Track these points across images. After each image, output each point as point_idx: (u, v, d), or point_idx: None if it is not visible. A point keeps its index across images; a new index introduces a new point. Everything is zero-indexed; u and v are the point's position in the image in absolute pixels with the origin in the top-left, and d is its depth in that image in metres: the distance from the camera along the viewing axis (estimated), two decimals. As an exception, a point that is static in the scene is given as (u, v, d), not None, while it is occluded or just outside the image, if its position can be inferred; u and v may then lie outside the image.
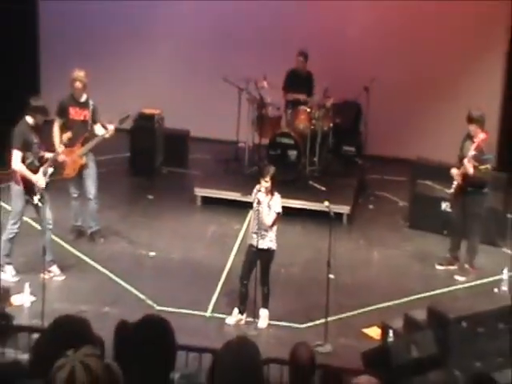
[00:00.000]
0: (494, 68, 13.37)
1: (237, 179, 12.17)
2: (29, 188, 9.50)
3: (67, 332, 3.77)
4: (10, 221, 9.67)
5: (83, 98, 10.49)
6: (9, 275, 9.62)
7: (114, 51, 13.79)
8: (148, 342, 3.67)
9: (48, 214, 9.63)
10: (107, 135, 10.40)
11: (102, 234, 10.86)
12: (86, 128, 10.45)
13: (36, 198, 9.51)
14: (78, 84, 10.36)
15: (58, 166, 10.17)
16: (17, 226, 9.64)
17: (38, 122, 9.53)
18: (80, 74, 10.37)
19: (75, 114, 10.46)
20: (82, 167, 10.50)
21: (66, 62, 13.69)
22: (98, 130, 10.50)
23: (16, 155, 9.44)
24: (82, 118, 10.46)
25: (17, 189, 9.58)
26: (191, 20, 13.82)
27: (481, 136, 10.03)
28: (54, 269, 9.77)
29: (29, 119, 9.50)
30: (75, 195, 10.69)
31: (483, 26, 13.13)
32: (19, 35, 13.74)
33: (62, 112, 10.44)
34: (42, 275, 8.95)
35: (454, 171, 10.17)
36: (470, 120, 10.08)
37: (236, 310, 9.16)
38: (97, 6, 13.83)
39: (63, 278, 9.81)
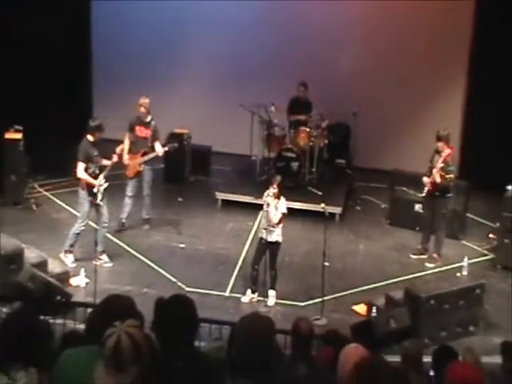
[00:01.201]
0: (456, 95, 13.32)
1: (250, 185, 12.13)
2: (91, 191, 9.55)
3: (115, 307, 3.78)
4: (79, 219, 9.72)
5: (147, 119, 10.69)
6: (69, 261, 9.65)
7: (153, 79, 13.81)
8: (175, 315, 3.66)
9: (105, 212, 9.68)
10: (160, 154, 10.69)
11: (150, 223, 10.98)
12: (146, 144, 10.66)
13: (98, 199, 9.57)
14: (142, 109, 10.63)
15: (123, 167, 10.63)
16: (84, 223, 9.69)
17: (96, 139, 9.57)
18: (145, 101, 10.66)
19: (139, 131, 10.72)
20: (139, 172, 10.72)
21: (116, 84, 13.94)
22: (157, 146, 10.68)
23: (80, 166, 9.50)
24: (144, 135, 10.68)
25: (83, 193, 9.63)
26: (215, 57, 13.79)
27: (447, 151, 10.00)
28: (104, 257, 9.79)
29: (89, 137, 9.54)
30: (130, 194, 10.80)
31: (446, 59, 13.13)
32: (74, 56, 13.68)
33: (130, 129, 10.76)
34: (94, 262, 9.08)
35: (425, 179, 10.14)
36: (438, 138, 10.05)
37: (249, 291, 9.14)
38: (142, 37, 13.87)
39: (111, 264, 9.83)
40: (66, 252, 9.69)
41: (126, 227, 10.88)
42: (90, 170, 9.54)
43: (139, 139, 10.72)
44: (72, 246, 9.73)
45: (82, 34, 14.02)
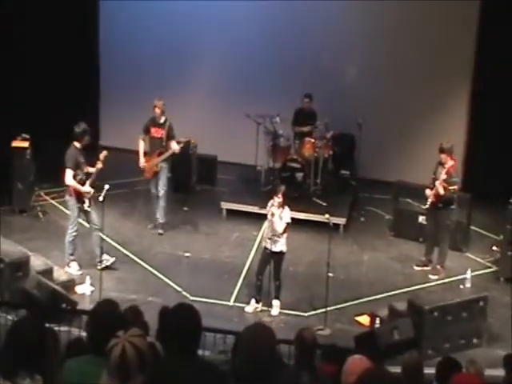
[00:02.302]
0: (460, 107, 13.33)
1: (255, 195, 12.14)
2: (79, 198, 9.59)
3: (107, 314, 3.78)
4: (69, 226, 9.73)
5: (162, 120, 10.87)
6: (74, 270, 9.67)
7: (160, 88, 13.82)
8: (179, 324, 3.67)
9: (95, 217, 9.66)
10: (177, 151, 10.85)
11: (164, 228, 11.08)
12: (161, 144, 10.81)
13: (86, 205, 9.61)
14: (157, 110, 10.80)
15: (140, 170, 10.99)
16: (75, 229, 9.70)
17: (84, 144, 9.61)
18: (159, 102, 10.84)
19: (155, 132, 10.89)
20: (156, 173, 10.88)
21: (123, 92, 14.02)
22: (173, 144, 10.84)
23: (69, 173, 9.52)
24: (159, 136, 10.84)
25: (71, 200, 9.66)
26: (221, 67, 13.85)
27: (450, 163, 10.00)
28: (106, 256, 9.76)
29: (76, 144, 9.58)
30: (154, 193, 11.02)
31: (450, 73, 13.17)
32: (82, 66, 13.75)
33: (145, 130, 10.93)
34: (98, 267, 9.27)
35: (428, 191, 10.13)
36: (442, 150, 10.05)
37: (253, 300, 9.14)
38: (149, 47, 13.94)
39: (114, 259, 9.80)
40: (68, 263, 9.70)
41: (160, 228, 11.05)
42: (78, 177, 9.57)
43: (155, 140, 10.92)
44: (72, 254, 9.75)
45: (89, 41, 14.07)
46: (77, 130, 9.56)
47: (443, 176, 9.91)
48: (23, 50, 12.31)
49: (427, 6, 12.80)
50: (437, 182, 9.94)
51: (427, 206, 10.16)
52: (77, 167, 9.54)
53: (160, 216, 11.06)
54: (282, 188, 9.02)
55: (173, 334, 3.67)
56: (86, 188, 9.56)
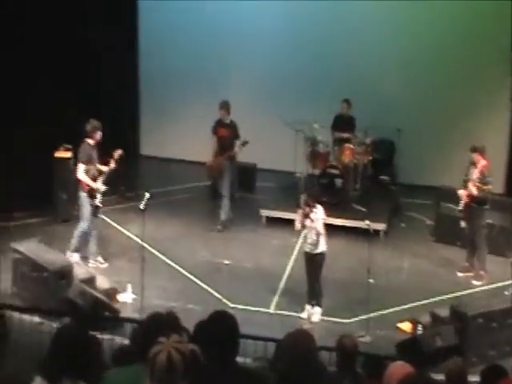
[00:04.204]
0: (502, 111, 13.17)
1: (294, 202, 12.10)
2: (91, 193, 9.77)
3: (159, 324, 3.82)
4: (81, 220, 9.92)
5: (228, 121, 11.37)
6: (75, 260, 9.72)
7: (198, 97, 14.03)
8: (217, 332, 3.69)
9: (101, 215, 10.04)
10: (237, 151, 11.42)
11: (225, 225, 11.47)
12: (228, 143, 11.36)
13: (97, 201, 9.79)
14: (222, 111, 11.36)
15: (206, 170, 11.63)
16: (87, 224, 9.89)
17: (97, 140, 9.81)
18: (224, 104, 11.32)
19: (220, 132, 11.41)
20: (221, 172, 11.41)
21: (163, 100, 14.19)
22: (238, 145, 11.36)
23: (81, 168, 9.74)
24: (225, 135, 11.35)
25: (83, 195, 9.83)
26: (259, 75, 13.92)
27: (482, 162, 9.91)
28: (100, 259, 10.06)
29: (89, 141, 9.79)
30: (224, 194, 11.49)
31: (490, 75, 13.02)
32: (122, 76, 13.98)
33: (214, 132, 11.50)
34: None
35: (461, 192, 10.04)
36: (474, 150, 10.00)
37: (307, 306, 9.11)
38: (192, 59, 14.17)
39: (106, 265, 10.04)
40: (71, 253, 9.88)
41: (219, 225, 11.46)
42: (91, 173, 9.76)
43: (222, 140, 11.39)
44: (78, 247, 9.94)
45: (129, 51, 14.29)
46: (88, 127, 9.78)
47: (476, 176, 9.80)
48: (64, 63, 12.50)
49: (465, 9, 12.70)
50: (469, 183, 9.83)
51: (461, 207, 10.06)
52: (89, 162, 9.74)
53: (223, 213, 11.47)
54: (305, 201, 8.89)
55: (210, 341, 3.68)
56: (98, 184, 9.76)
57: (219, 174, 11.50)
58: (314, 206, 8.83)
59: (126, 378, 3.68)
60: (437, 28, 13.12)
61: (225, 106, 11.36)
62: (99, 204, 9.86)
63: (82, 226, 9.89)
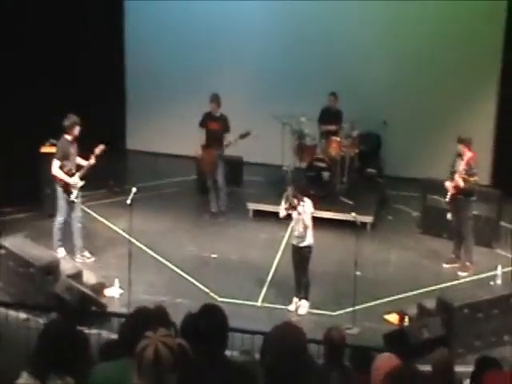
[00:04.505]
0: (488, 103, 13.25)
1: (281, 195, 12.10)
2: (66, 188, 9.82)
3: (147, 318, 3.81)
4: (57, 215, 9.97)
5: (218, 114, 11.46)
6: (61, 255, 9.84)
7: (185, 90, 14.01)
8: (206, 325, 3.69)
9: (79, 210, 10.03)
10: (232, 143, 11.38)
11: (224, 215, 11.72)
12: (218, 136, 11.42)
13: (72, 196, 9.84)
14: (213, 104, 11.45)
15: (198, 163, 11.90)
16: (62, 218, 9.95)
17: (74, 136, 9.79)
18: (215, 97, 11.45)
19: (211, 125, 11.48)
20: (215, 165, 11.55)
21: (149, 95, 14.18)
22: (228, 137, 11.43)
23: (55, 163, 9.79)
24: (215, 128, 11.41)
25: (59, 190, 9.91)
26: (245, 68, 13.91)
27: (468, 154, 9.95)
28: (86, 253, 10.08)
29: (67, 136, 9.80)
30: (210, 185, 11.66)
31: (476, 66, 13.09)
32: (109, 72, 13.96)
33: (203, 124, 11.56)
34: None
35: (447, 184, 10.08)
36: (460, 141, 10.02)
37: (295, 299, 9.14)
38: (177, 54, 14.19)
39: (94, 259, 10.06)
40: (55, 249, 9.92)
41: (219, 216, 11.73)
42: (67, 168, 9.77)
43: (212, 133, 11.45)
44: (60, 240, 10.00)
45: (115, 46, 14.23)
46: (66, 122, 9.77)
47: (463, 167, 9.85)
48: (48, 58, 12.44)
49: (453, 3, 12.75)
50: (456, 175, 9.88)
51: (447, 199, 10.11)
52: (65, 158, 9.75)
53: (222, 204, 11.71)
54: (290, 193, 8.89)
55: (200, 335, 3.68)
56: (74, 179, 9.78)
57: (211, 168, 11.57)
58: (301, 199, 8.84)
59: (113, 372, 3.67)
60: (424, 22, 13.16)
61: (215, 99, 11.42)
62: (75, 199, 9.87)
63: (58, 219, 9.96)
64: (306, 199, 8.91)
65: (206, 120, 11.53)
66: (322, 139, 12.56)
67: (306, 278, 9.09)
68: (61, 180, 9.80)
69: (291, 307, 9.12)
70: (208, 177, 11.79)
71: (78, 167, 9.87)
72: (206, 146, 11.55)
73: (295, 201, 8.81)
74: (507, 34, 12.74)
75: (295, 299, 9.14)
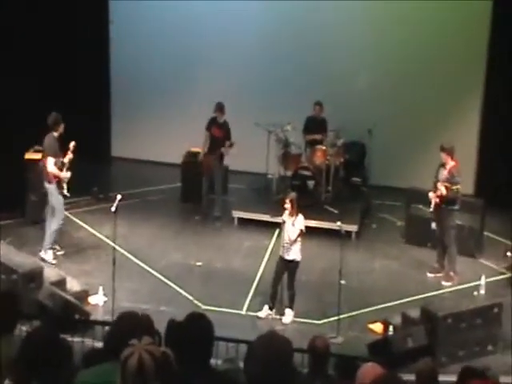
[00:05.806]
0: (472, 113, 13.34)
1: (266, 204, 12.16)
2: (59, 184, 9.88)
3: (130, 325, 3.79)
4: (57, 215, 9.93)
5: (221, 121, 11.80)
6: (50, 258, 9.89)
7: (170, 96, 14.02)
8: (191, 334, 3.67)
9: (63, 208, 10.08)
10: (229, 151, 11.78)
11: (221, 221, 11.91)
12: (221, 143, 11.75)
13: (65, 190, 9.92)
14: (218, 112, 11.79)
15: (199, 166, 12.02)
16: (63, 214, 10.03)
17: (60, 133, 9.90)
18: (219, 105, 11.77)
19: (214, 131, 11.82)
20: (211, 170, 11.90)
21: (134, 103, 14.13)
22: (227, 144, 11.72)
23: (50, 161, 9.81)
24: (218, 135, 11.76)
25: (52, 187, 9.88)
26: (231, 76, 13.88)
27: (451, 163, 10.02)
28: (50, 253, 10.02)
29: (54, 134, 9.88)
30: (205, 189, 11.95)
31: (461, 78, 13.19)
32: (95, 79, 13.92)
33: (208, 129, 11.90)
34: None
35: (431, 194, 10.13)
36: (442, 149, 10.09)
37: (266, 306, 9.14)
38: (162, 61, 14.18)
39: (55, 262, 10.00)
40: (46, 250, 9.91)
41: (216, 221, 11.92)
42: (57, 165, 9.84)
43: (215, 139, 11.80)
44: (54, 243, 10.02)
45: (100, 54, 14.18)
46: (50, 120, 9.86)
47: (445, 176, 9.91)
48: (33, 61, 12.38)
49: (438, 10, 12.86)
50: (438, 184, 9.93)
51: (431, 208, 10.16)
52: (55, 155, 9.83)
53: (217, 210, 11.97)
54: (291, 195, 9.03)
55: (185, 343, 3.66)
56: (66, 174, 9.84)
57: (207, 171, 11.90)
58: (294, 209, 8.86)
59: (98, 377, 3.64)
60: (408, 29, 13.24)
61: (220, 108, 11.77)
62: (67, 193, 9.95)
63: (59, 217, 9.96)
64: (300, 215, 8.92)
65: (211, 125, 11.87)
66: (307, 148, 12.60)
67: (291, 290, 9.08)
68: (55, 177, 9.83)
69: (261, 313, 9.10)
70: (204, 180, 12.02)
71: (62, 164, 9.92)
72: (208, 150, 11.88)
73: (289, 205, 8.82)
74: (490, 47, 12.83)
75: (266, 307, 9.12)
